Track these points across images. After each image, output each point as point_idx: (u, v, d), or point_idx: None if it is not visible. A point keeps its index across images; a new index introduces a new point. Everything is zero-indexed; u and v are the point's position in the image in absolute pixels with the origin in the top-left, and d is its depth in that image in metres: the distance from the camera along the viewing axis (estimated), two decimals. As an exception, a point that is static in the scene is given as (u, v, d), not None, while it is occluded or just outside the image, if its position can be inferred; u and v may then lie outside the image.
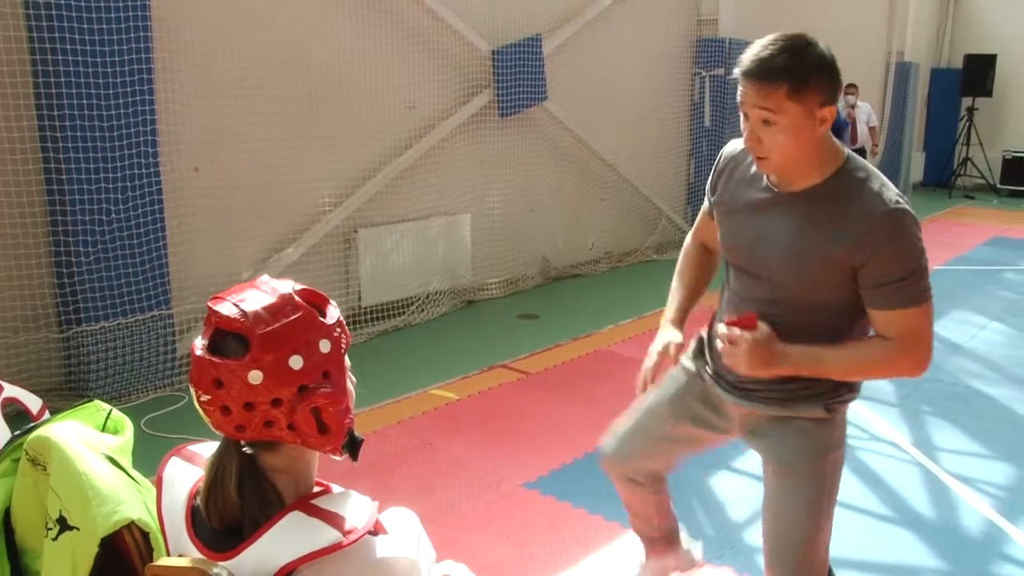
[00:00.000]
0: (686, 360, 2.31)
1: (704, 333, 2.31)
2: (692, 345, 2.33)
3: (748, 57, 1.82)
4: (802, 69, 1.77)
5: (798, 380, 2.01)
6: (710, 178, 2.21)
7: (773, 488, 2.16)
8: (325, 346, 1.26)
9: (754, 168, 2.01)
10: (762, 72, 1.78)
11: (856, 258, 1.85)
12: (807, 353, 1.94)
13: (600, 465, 2.51)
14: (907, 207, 1.86)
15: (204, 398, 1.22)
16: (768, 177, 1.99)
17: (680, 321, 2.31)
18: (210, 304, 1.26)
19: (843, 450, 2.15)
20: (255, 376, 1.20)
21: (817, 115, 1.82)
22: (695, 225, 2.39)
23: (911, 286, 1.85)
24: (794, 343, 1.95)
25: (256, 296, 1.26)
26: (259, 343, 1.21)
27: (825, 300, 1.96)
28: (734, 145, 2.14)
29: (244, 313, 1.23)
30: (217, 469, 1.27)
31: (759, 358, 1.93)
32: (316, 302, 1.30)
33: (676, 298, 2.35)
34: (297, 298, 1.27)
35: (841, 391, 2.07)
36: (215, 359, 1.21)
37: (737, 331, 1.95)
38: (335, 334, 1.28)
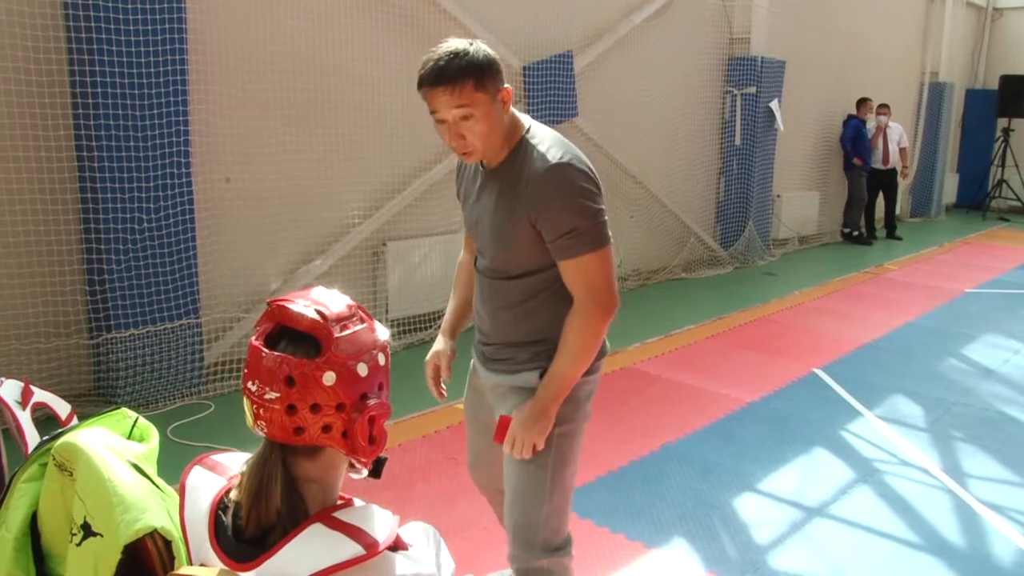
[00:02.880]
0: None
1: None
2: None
3: (428, 72, 1.97)
4: (477, 64, 1.97)
5: (520, 347, 2.21)
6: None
7: (505, 459, 2.29)
8: (381, 359, 1.32)
9: None
10: (448, 77, 1.95)
11: (532, 215, 2.04)
12: (549, 383, 2.12)
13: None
14: (570, 162, 2.03)
15: (271, 395, 1.23)
16: (481, 163, 2.19)
17: (450, 330, 2.54)
18: (280, 302, 1.28)
19: (575, 425, 2.24)
20: (329, 377, 1.23)
21: (499, 97, 2.03)
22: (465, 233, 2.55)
23: (585, 234, 2.02)
24: (521, 306, 2.17)
25: (328, 299, 1.30)
26: (335, 346, 1.24)
27: (533, 263, 2.13)
28: None
29: (323, 315, 1.26)
30: (262, 476, 1.26)
31: (530, 428, 2.12)
32: (369, 319, 1.35)
33: (448, 308, 2.58)
34: (361, 310, 1.33)
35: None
36: (289, 356, 1.23)
37: (506, 436, 2.16)
38: (387, 350, 1.35)
